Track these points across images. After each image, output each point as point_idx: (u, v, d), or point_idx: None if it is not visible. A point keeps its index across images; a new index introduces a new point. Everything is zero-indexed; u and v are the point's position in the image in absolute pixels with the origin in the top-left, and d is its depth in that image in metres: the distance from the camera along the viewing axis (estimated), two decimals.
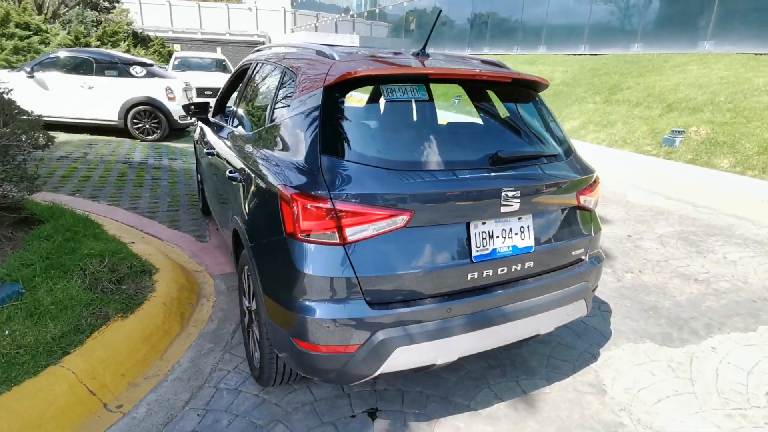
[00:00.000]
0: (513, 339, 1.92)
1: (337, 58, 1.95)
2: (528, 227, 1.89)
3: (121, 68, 8.03)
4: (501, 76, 2.02)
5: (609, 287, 3.47)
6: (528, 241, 1.89)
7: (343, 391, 2.21)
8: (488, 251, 1.79)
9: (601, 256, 2.29)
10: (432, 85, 2.00)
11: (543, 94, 2.52)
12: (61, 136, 7.52)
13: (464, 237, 1.76)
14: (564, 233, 2.02)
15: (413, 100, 1.93)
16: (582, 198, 2.06)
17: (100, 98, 7.86)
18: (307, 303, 1.64)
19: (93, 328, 2.32)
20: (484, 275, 1.79)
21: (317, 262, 1.60)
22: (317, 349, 1.65)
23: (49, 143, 3.38)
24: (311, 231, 1.59)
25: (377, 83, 1.85)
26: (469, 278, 1.77)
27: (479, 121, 2.10)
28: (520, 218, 1.87)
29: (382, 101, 1.82)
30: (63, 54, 8.04)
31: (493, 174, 1.77)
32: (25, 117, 3.16)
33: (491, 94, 2.19)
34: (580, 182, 2.04)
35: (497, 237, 1.82)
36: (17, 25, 10.73)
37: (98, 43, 15.09)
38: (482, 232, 1.78)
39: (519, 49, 15.39)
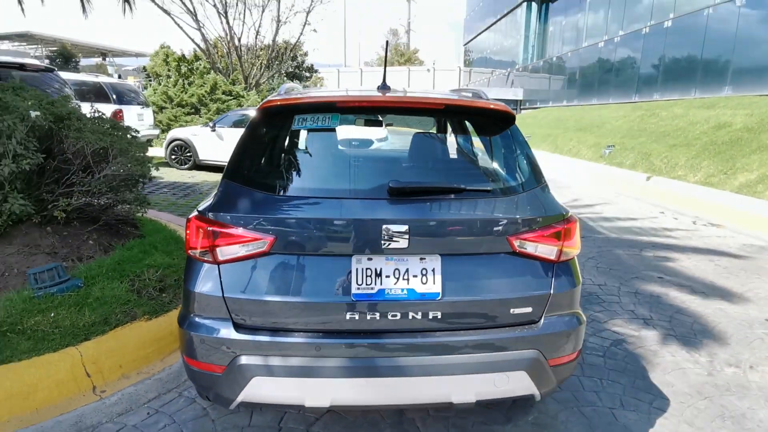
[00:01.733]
0: (412, 400, 1.66)
1: (282, 93, 2.08)
2: (433, 270, 1.65)
3: None
4: (428, 103, 1.87)
5: (689, 380, 2.64)
6: (432, 286, 1.64)
7: (278, 426, 2.17)
8: (373, 291, 1.62)
9: (581, 319, 1.82)
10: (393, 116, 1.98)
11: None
12: None
13: (345, 272, 1.64)
14: (496, 284, 1.69)
15: (329, 129, 1.91)
16: (521, 242, 1.70)
17: None
18: (187, 317, 1.73)
19: (119, 323, 2.79)
20: (368, 318, 1.62)
21: (194, 277, 1.70)
22: (194, 364, 1.71)
23: (151, 179, 4.23)
24: (194, 248, 1.71)
25: (294, 112, 1.90)
26: (347, 318, 1.62)
27: (403, 152, 1.95)
28: (422, 258, 1.65)
29: (297, 130, 1.87)
30: (234, 113, 10.04)
31: (375, 205, 1.63)
32: (140, 155, 4.05)
33: (446, 122, 2.03)
34: (517, 223, 1.70)
35: (387, 276, 1.64)
36: (223, 92, 13.89)
37: None
38: (366, 269, 1.63)
39: (698, 93, 13.16)
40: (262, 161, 1.85)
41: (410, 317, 1.64)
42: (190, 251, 1.74)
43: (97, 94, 9.76)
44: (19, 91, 3.52)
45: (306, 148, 1.97)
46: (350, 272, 1.63)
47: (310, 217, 1.63)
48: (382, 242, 1.61)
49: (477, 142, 1.96)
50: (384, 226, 1.60)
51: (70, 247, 3.54)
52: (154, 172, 4.25)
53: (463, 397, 1.65)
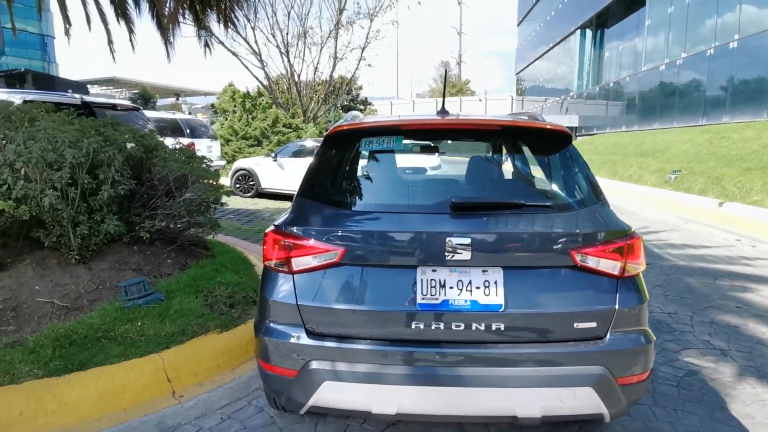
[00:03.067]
0: (476, 411, 1.68)
1: (348, 119, 2.26)
2: (496, 282, 1.70)
3: None
4: (486, 124, 1.96)
5: None
6: (495, 298, 1.69)
7: None
8: (437, 301, 1.70)
9: (649, 337, 1.78)
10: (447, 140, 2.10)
11: None
12: (286, 204, 9.73)
13: (411, 283, 1.73)
14: (558, 297, 1.71)
15: (393, 151, 2.04)
16: (582, 256, 1.72)
17: None
18: (262, 323, 1.88)
19: (194, 334, 3.02)
20: (432, 327, 1.69)
21: (270, 286, 1.85)
22: (269, 368, 1.85)
23: (222, 204, 4.56)
24: (271, 259, 1.87)
25: (361, 135, 2.06)
26: (413, 327, 1.70)
27: (462, 172, 2.04)
28: (484, 271, 1.71)
29: (365, 152, 2.03)
30: (293, 144, 10.60)
31: (438, 219, 1.73)
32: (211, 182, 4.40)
33: (501, 145, 2.11)
34: (578, 238, 1.72)
35: (451, 288, 1.71)
36: (283, 125, 14.74)
37: None
38: (431, 280, 1.71)
39: None
40: (333, 180, 2.02)
41: (473, 328, 1.69)
42: (266, 262, 1.91)
43: (173, 128, 10.72)
44: (117, 126, 3.99)
45: (372, 168, 2.12)
46: (415, 283, 1.73)
47: (378, 230, 1.76)
48: (446, 254, 1.69)
49: (534, 163, 2.03)
50: (447, 239, 1.69)
51: (152, 264, 3.89)
52: (224, 198, 4.61)
53: (528, 411, 1.66)
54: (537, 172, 2.02)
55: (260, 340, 1.87)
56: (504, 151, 2.45)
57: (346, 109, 28.04)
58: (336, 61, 18.48)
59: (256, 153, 13.73)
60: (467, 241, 1.68)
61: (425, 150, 2.29)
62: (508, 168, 2.29)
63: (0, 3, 6.12)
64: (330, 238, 1.78)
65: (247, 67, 17.55)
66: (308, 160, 9.85)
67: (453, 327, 1.70)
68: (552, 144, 2.01)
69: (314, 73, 18.75)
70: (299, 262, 1.80)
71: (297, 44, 17.84)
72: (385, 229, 1.75)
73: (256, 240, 6.44)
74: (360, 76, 30.04)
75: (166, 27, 6.53)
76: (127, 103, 8.01)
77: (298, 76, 18.41)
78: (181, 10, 6.47)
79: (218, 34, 14.32)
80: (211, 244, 4.73)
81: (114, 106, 7.09)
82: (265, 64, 17.65)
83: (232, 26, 6.65)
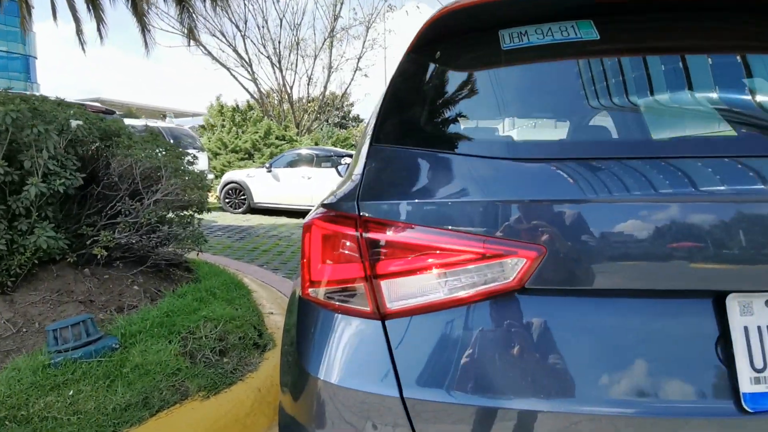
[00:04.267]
0: None
1: None
2: None
3: (335, 160, 8.99)
4: None
5: None
6: None
7: None
8: None
9: None
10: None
11: None
12: (282, 220, 8.64)
13: (710, 337, 0.68)
14: None
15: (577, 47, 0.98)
16: None
17: (316, 186, 8.86)
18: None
19: (164, 404, 1.91)
20: None
21: (320, 350, 0.82)
22: None
23: (209, 209, 3.52)
24: (319, 282, 0.82)
25: (498, 23, 0.99)
26: None
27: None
28: None
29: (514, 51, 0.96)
30: (290, 153, 9.57)
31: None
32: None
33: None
34: None
35: None
36: (276, 137, 13.71)
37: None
38: None
39: None
40: (469, 108, 0.95)
41: None
42: (310, 291, 0.84)
43: None
44: (62, 103, 2.93)
45: (545, 79, 1.05)
46: (721, 339, 0.67)
47: (635, 198, 0.70)
48: None
49: None
50: None
51: (110, 293, 2.77)
52: (206, 216, 3.55)
53: None
54: None
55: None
56: None
57: (339, 125, 27.27)
58: (330, 72, 17.66)
59: (247, 167, 12.66)
60: None
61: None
62: None
63: None
64: (498, 227, 0.73)
65: (236, 79, 16.64)
66: (306, 171, 8.81)
67: None
68: None
69: (308, 84, 17.90)
70: (405, 287, 0.74)
71: (289, 55, 17.02)
72: (646, 195, 0.70)
73: (251, 259, 5.33)
74: (352, 91, 29.45)
75: (141, 11, 5.56)
76: (99, 105, 6.98)
77: (291, 88, 17.53)
78: None
79: (205, 37, 13.47)
80: (194, 264, 3.62)
81: (81, 106, 6.02)
82: (256, 75, 16.76)
83: (220, 4, 5.69)
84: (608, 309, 0.71)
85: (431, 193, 0.78)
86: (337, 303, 0.80)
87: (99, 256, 2.70)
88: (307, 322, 0.84)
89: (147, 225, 2.84)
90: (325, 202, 0.89)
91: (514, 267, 0.71)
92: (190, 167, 3.44)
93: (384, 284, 0.76)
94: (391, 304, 0.75)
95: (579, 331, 0.71)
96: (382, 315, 0.76)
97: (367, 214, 0.78)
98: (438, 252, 0.74)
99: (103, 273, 2.89)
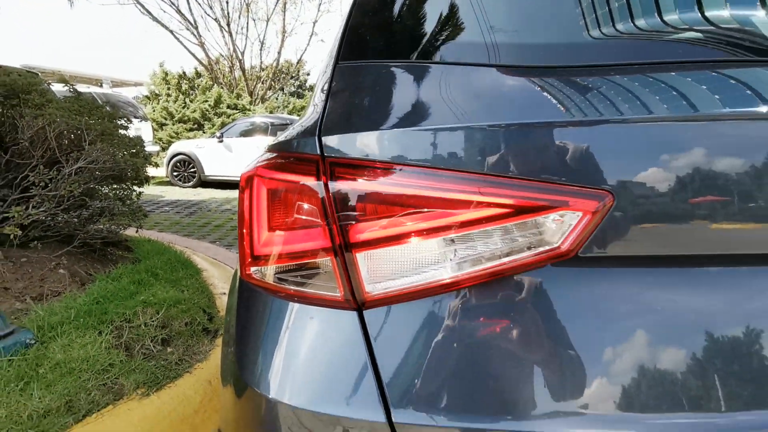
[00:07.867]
0: None
1: None
2: None
3: None
4: None
5: None
6: None
7: None
8: None
9: None
10: None
11: None
12: (236, 193, 8.14)
13: None
14: None
15: None
16: None
17: None
18: None
19: (92, 407, 1.61)
20: None
21: (266, 354, 0.54)
22: None
23: (148, 180, 3.13)
24: (267, 258, 0.56)
25: None
26: None
27: None
28: None
29: None
30: (242, 121, 8.99)
31: None
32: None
33: None
34: None
35: None
36: (228, 106, 12.90)
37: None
38: None
39: None
40: None
41: None
42: (253, 271, 0.58)
43: None
44: None
45: None
46: None
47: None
48: None
49: None
50: None
51: (29, 279, 2.38)
52: (152, 190, 3.14)
53: None
54: None
55: None
56: None
57: (295, 95, 26.23)
58: (284, 37, 16.71)
59: (196, 138, 11.87)
60: None
61: None
62: None
63: None
64: (537, 165, 0.50)
65: (182, 44, 15.46)
66: (261, 140, 8.29)
67: None
68: None
69: (261, 51, 16.90)
70: (389, 264, 0.50)
71: (239, 18, 15.92)
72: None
73: (201, 236, 4.93)
74: (311, 55, 28.31)
75: None
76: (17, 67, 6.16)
77: (242, 53, 16.50)
78: None
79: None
80: (135, 243, 3.24)
81: None
82: (203, 39, 15.61)
83: None
84: (713, 285, 0.50)
85: (429, 118, 0.53)
86: (292, 288, 0.55)
87: (12, 236, 2.29)
88: (249, 316, 0.59)
89: (70, 198, 2.43)
90: (271, 143, 0.63)
91: (561, 225, 0.48)
92: (123, 132, 3.01)
93: (361, 258, 0.51)
94: (372, 288, 0.52)
95: (665, 317, 0.50)
96: (358, 303, 0.52)
97: (333, 155, 0.53)
98: (441, 207, 0.49)
99: (20, 256, 2.48)
